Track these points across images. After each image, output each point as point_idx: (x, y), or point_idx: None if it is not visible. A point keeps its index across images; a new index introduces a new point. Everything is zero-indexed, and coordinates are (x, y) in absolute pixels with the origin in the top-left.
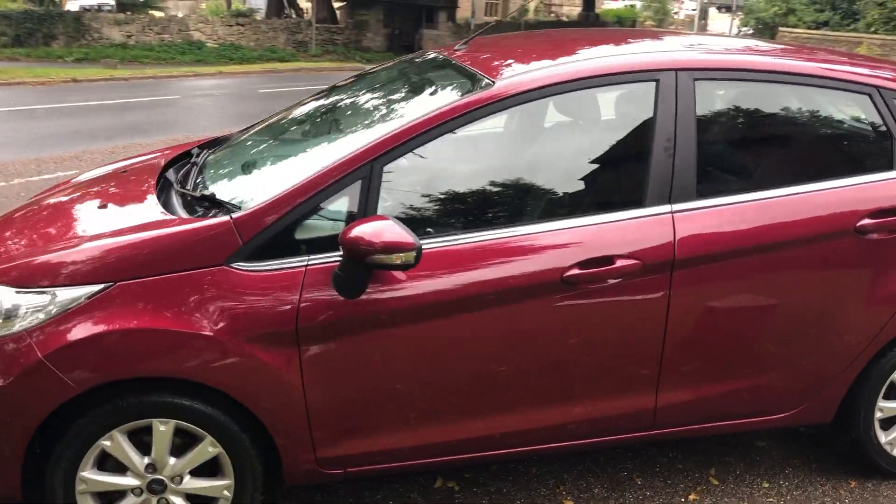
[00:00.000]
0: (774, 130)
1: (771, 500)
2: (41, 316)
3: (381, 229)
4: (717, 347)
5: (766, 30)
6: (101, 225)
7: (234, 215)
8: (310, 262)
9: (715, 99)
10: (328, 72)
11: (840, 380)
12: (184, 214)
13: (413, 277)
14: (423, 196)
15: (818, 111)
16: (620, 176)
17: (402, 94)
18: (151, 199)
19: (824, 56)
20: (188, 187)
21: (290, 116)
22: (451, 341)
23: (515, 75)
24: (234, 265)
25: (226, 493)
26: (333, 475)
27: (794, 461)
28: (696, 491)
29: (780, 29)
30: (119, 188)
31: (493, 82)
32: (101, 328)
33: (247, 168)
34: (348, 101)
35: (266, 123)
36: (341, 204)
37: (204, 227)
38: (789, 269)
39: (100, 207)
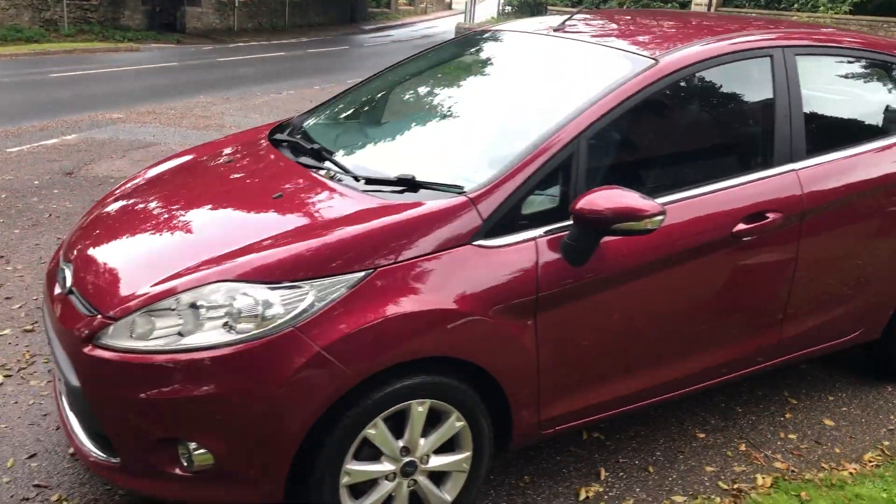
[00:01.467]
0: (853, 96)
1: (843, 408)
2: (305, 309)
3: (621, 196)
4: (821, 284)
5: (527, 6)
6: (318, 214)
7: (470, 195)
8: (539, 235)
9: (808, 71)
10: (84, 52)
11: (889, 305)
12: (384, 199)
13: (622, 241)
14: (613, 166)
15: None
16: (757, 140)
17: (555, 71)
18: (339, 185)
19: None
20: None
21: (393, 90)
22: (647, 298)
23: (673, 52)
24: (476, 243)
25: (464, 465)
26: (544, 435)
27: (836, 379)
28: (787, 410)
29: (549, 8)
30: (263, 175)
31: (657, 60)
32: (372, 316)
33: (412, 146)
34: (487, 75)
35: (361, 98)
36: (553, 177)
37: (451, 208)
38: (871, 214)
39: (276, 197)
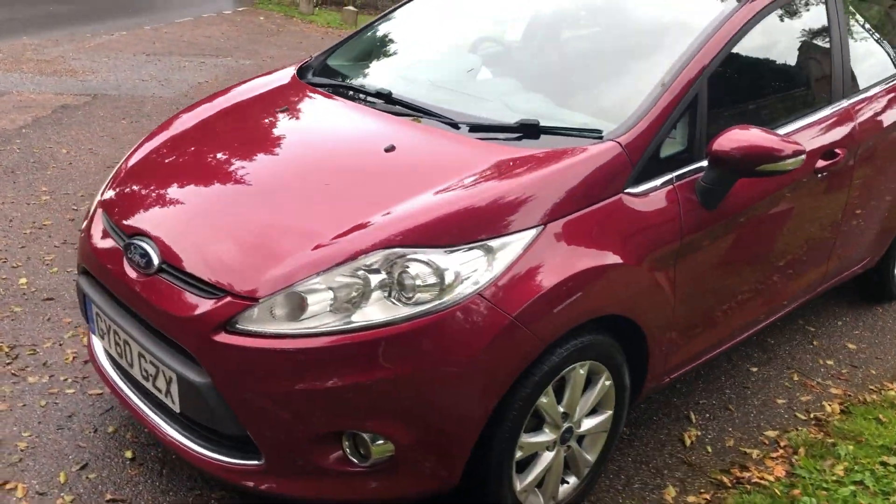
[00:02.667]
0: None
1: (855, 331)
2: (487, 273)
3: (763, 137)
4: (857, 216)
5: None
6: (455, 167)
7: (618, 139)
8: (674, 179)
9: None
10: None
11: (891, 233)
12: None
13: (739, 182)
14: (724, 104)
15: None
16: (823, 76)
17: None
18: (453, 134)
19: None
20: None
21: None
22: (756, 237)
23: None
24: (628, 190)
25: (607, 425)
26: (663, 385)
27: (834, 306)
28: (813, 338)
29: None
30: (342, 126)
31: None
32: (553, 275)
33: (514, 89)
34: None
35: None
36: (683, 118)
37: (606, 154)
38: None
39: (388, 149)
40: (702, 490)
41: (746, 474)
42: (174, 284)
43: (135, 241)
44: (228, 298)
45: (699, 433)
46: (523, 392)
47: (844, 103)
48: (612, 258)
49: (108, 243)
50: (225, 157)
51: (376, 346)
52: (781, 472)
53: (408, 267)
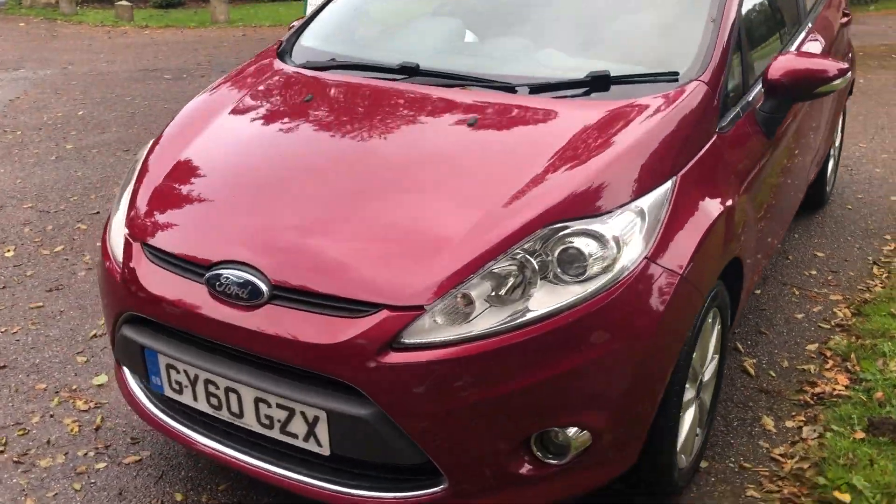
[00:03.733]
0: None
1: (814, 239)
2: (647, 234)
3: (815, 61)
4: (821, 121)
5: None
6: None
7: (703, 79)
8: (741, 112)
9: None
10: None
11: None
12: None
13: None
14: (755, 31)
15: None
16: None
17: None
18: (523, 97)
19: None
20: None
21: None
22: (790, 155)
23: None
24: (717, 128)
25: (716, 370)
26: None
27: None
28: (785, 252)
29: None
30: (396, 107)
31: None
32: (700, 227)
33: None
34: None
35: None
36: (735, 50)
37: (700, 95)
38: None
39: (472, 123)
40: (793, 413)
41: (818, 389)
42: (301, 310)
43: (223, 272)
44: (386, 312)
45: (754, 360)
46: (686, 350)
47: (808, 24)
48: (728, 200)
49: (173, 280)
50: (292, 157)
51: (562, 335)
52: (845, 379)
53: (571, 242)
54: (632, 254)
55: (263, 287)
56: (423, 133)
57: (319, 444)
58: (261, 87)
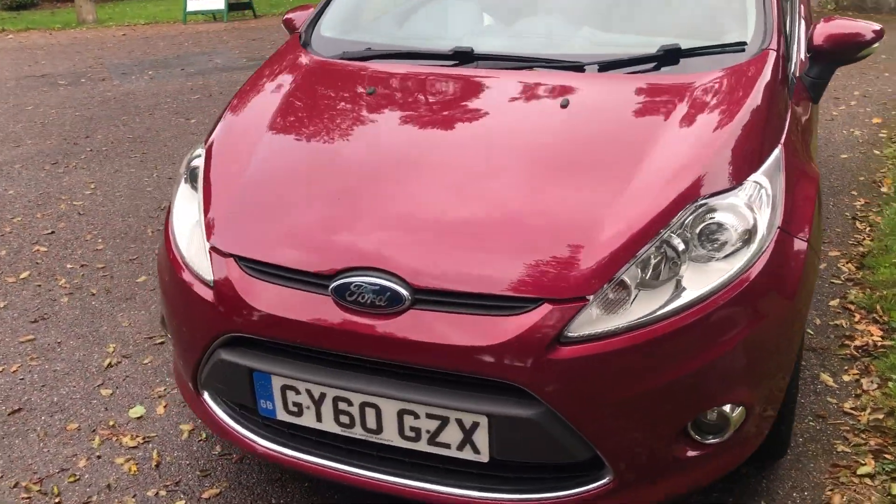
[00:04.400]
0: None
1: None
2: (774, 204)
3: (854, 25)
4: None
5: None
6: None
7: (772, 48)
8: (793, 78)
9: None
10: None
11: None
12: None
13: None
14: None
15: None
16: None
17: None
18: (605, 75)
19: None
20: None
21: None
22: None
23: None
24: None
25: None
26: None
27: None
28: None
29: None
30: (474, 95)
31: None
32: (805, 191)
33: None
34: None
35: None
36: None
37: (776, 65)
38: None
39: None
40: (845, 367)
41: (858, 342)
42: (449, 312)
43: (351, 280)
44: (549, 307)
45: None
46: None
47: None
48: (812, 164)
49: (287, 295)
50: (383, 154)
51: (720, 313)
52: (878, 330)
53: (712, 218)
54: (766, 225)
55: (404, 292)
56: (518, 118)
57: (477, 451)
58: (309, 83)
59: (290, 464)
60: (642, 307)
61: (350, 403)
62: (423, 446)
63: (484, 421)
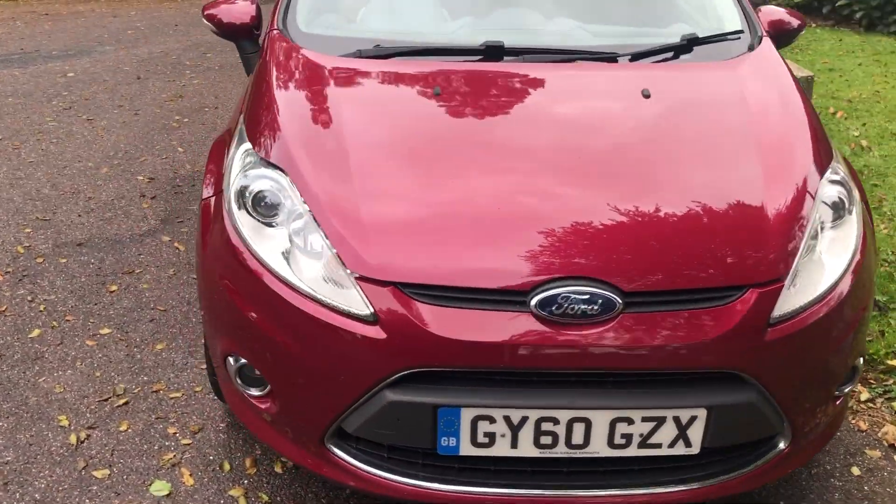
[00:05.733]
0: None
1: None
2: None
3: (782, 11)
4: None
5: None
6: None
7: (768, 34)
8: None
9: None
10: None
11: None
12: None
13: None
14: None
15: None
16: None
17: None
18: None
19: None
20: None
21: None
22: None
23: None
24: None
25: None
26: None
27: None
28: None
29: None
30: (544, 91)
31: None
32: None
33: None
34: None
35: None
36: None
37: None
38: None
39: (646, 95)
40: None
41: None
42: (660, 312)
43: (556, 292)
44: (754, 292)
45: None
46: None
47: None
48: None
49: (474, 318)
50: (504, 158)
51: (863, 274)
52: None
53: (833, 189)
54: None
55: (616, 298)
56: (614, 111)
57: (689, 445)
58: (351, 88)
59: (463, 500)
60: (814, 279)
61: (556, 422)
62: (631, 451)
63: (703, 414)
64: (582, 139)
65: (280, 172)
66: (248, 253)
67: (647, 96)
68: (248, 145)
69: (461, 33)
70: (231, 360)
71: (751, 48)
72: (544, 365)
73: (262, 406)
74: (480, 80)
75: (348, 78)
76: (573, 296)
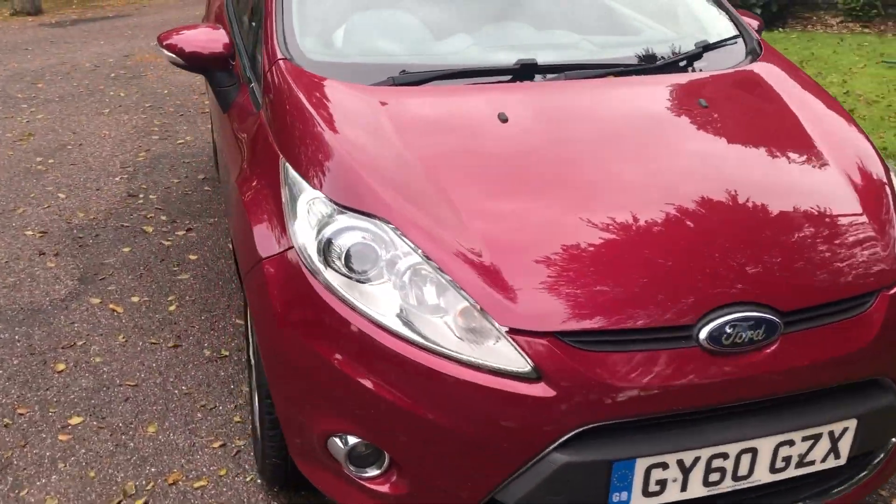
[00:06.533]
0: None
1: None
2: None
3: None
4: None
5: None
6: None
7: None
8: None
9: None
10: None
11: None
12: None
13: None
14: None
15: None
16: None
17: None
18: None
19: None
20: None
21: None
22: None
23: None
24: None
25: None
26: None
27: None
28: None
29: None
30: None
31: None
32: None
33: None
34: None
35: None
36: None
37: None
38: None
39: (704, 105)
40: None
41: None
42: (812, 329)
43: (720, 320)
44: (885, 295)
45: None
46: None
47: None
48: None
49: (641, 360)
50: (630, 178)
51: None
52: None
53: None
54: None
55: (776, 319)
56: (686, 126)
57: (837, 457)
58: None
59: None
60: None
61: (726, 457)
62: (789, 472)
63: (853, 424)
64: (677, 159)
65: (374, 220)
66: (357, 316)
67: (705, 107)
68: (314, 192)
69: (475, 51)
70: (337, 440)
71: (752, 52)
72: (718, 400)
73: (382, 488)
74: (539, 103)
75: (403, 110)
76: (740, 323)
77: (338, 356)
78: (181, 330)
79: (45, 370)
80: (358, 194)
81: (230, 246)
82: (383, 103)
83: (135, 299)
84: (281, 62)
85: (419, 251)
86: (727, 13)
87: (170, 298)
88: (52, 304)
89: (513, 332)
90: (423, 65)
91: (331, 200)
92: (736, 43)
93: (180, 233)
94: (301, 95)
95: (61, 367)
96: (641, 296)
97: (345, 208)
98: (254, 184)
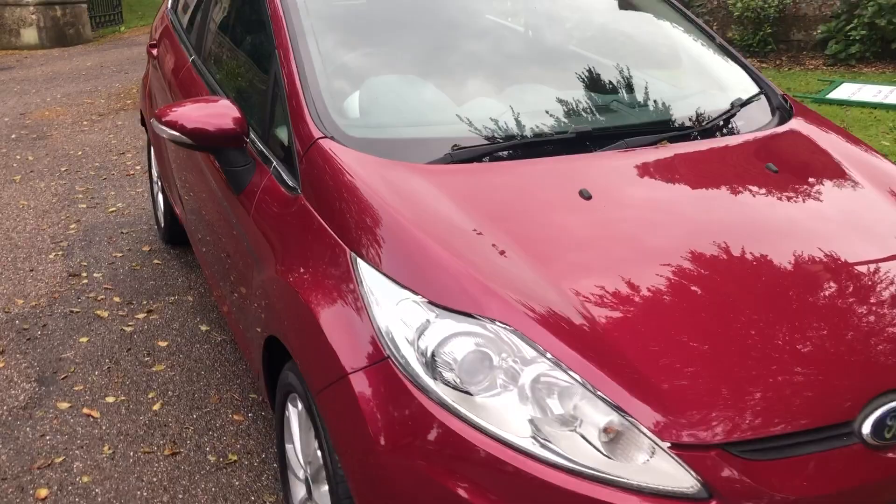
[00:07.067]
0: None
1: None
2: None
3: None
4: None
5: None
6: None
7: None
8: None
9: None
10: None
11: None
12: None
13: None
14: None
15: None
16: None
17: None
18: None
19: None
20: None
21: None
22: None
23: None
24: None
25: None
26: None
27: None
28: None
29: None
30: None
31: None
32: None
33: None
34: None
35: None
36: None
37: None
38: None
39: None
40: None
41: None
42: None
43: (878, 412)
44: None
45: None
46: None
47: None
48: None
49: (809, 464)
50: (711, 272)
51: None
52: None
53: None
54: None
55: None
56: (769, 195)
57: None
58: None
59: None
60: None
61: None
62: None
63: None
64: (777, 234)
65: (483, 322)
66: (485, 438)
67: (774, 172)
68: (402, 293)
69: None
70: None
71: (782, 109)
72: (885, 500)
73: None
74: (612, 176)
75: (477, 192)
76: (889, 415)
77: (463, 486)
78: (174, 433)
79: (24, 499)
80: (460, 293)
81: (202, 328)
82: (459, 185)
83: (110, 399)
84: (322, 142)
85: (548, 354)
86: (742, 66)
87: (150, 396)
88: (13, 415)
89: (676, 447)
90: (472, 138)
91: (429, 302)
92: (760, 98)
93: (140, 316)
94: (364, 180)
95: (43, 493)
96: (797, 394)
97: (446, 310)
98: (312, 280)
